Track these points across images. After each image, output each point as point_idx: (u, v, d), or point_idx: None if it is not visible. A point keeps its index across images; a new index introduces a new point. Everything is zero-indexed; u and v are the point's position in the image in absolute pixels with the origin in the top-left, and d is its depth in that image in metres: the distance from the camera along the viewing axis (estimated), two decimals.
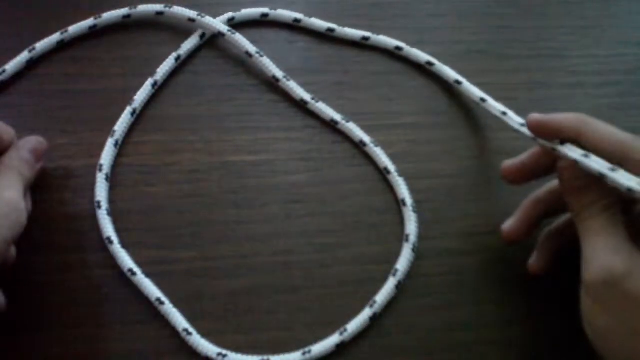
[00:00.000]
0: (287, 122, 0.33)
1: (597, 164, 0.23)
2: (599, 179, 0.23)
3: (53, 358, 0.27)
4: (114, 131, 0.31)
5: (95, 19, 0.34)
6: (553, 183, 0.28)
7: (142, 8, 0.35)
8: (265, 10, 0.35)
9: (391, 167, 0.31)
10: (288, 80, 0.33)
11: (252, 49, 0.34)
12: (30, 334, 0.27)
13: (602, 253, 0.23)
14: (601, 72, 0.36)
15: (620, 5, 0.39)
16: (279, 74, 0.33)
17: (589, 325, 0.24)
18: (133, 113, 0.32)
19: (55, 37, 0.33)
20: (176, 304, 0.28)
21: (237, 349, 0.27)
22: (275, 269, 0.29)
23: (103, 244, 0.29)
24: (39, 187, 0.30)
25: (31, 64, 0.33)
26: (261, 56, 0.33)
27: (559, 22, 0.38)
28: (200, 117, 0.33)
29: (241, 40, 0.34)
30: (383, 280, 0.29)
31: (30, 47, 0.33)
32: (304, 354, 0.27)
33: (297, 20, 0.35)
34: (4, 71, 0.32)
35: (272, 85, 0.34)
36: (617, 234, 0.23)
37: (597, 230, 0.24)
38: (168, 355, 0.27)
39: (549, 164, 0.27)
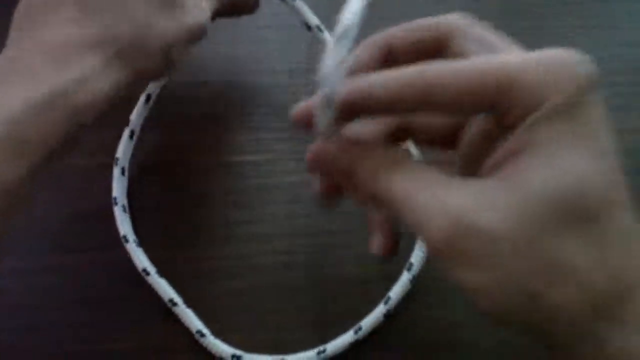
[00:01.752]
0: (288, 122, 0.33)
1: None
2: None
3: (65, 356, 0.27)
4: (130, 120, 0.31)
5: None
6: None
7: None
8: None
9: None
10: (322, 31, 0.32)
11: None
12: (39, 332, 0.27)
13: (435, 202, 0.17)
14: (601, 72, 0.36)
15: (620, 5, 0.39)
16: (313, 20, 0.32)
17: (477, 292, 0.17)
18: (148, 99, 0.31)
19: None
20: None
21: (236, 350, 0.27)
22: (276, 269, 0.29)
23: (113, 242, 0.29)
24: (48, 186, 0.30)
25: None
26: None
27: (559, 22, 0.38)
28: (201, 117, 0.33)
29: None
30: (384, 280, 0.29)
31: None
32: (319, 353, 0.27)
33: None
34: None
35: (272, 84, 0.34)
36: (433, 176, 0.17)
37: (412, 184, 0.17)
38: (180, 354, 0.27)
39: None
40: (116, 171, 0.30)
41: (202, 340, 0.27)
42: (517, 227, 0.16)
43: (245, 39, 0.35)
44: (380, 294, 0.29)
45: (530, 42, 0.38)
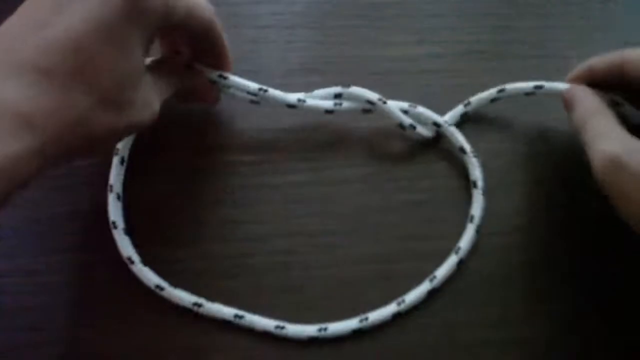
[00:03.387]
0: (287, 122, 0.33)
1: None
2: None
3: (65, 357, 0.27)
4: (117, 149, 0.30)
5: None
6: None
7: None
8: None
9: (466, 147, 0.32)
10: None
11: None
12: (31, 334, 0.27)
13: (598, 147, 0.26)
14: None
15: (620, 5, 0.39)
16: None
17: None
18: None
19: None
20: None
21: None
22: (275, 269, 0.29)
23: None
24: (47, 186, 0.30)
25: None
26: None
27: (559, 22, 0.38)
28: (200, 117, 0.33)
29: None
30: (383, 280, 0.29)
31: None
32: (360, 320, 0.28)
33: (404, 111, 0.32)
34: None
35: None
36: (612, 127, 0.26)
37: (597, 128, 0.27)
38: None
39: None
40: (112, 197, 0.29)
41: (200, 310, 0.28)
42: None
43: (245, 39, 0.35)
44: (379, 294, 0.29)
45: (531, 42, 0.38)
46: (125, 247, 0.28)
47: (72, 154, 0.24)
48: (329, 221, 0.31)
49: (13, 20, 0.23)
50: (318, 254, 0.30)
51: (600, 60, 0.30)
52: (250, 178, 0.32)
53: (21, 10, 0.23)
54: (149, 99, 0.26)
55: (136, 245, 0.29)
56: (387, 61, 0.35)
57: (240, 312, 0.28)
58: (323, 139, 0.33)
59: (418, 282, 0.29)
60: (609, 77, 0.30)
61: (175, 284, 0.28)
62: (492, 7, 0.38)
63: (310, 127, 0.33)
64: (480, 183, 0.31)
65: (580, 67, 0.31)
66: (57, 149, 0.22)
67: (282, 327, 0.28)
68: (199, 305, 0.28)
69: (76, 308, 0.28)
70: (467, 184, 0.32)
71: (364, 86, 0.33)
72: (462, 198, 0.32)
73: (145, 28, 0.24)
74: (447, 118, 0.32)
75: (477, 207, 0.31)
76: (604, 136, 0.26)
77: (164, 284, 0.28)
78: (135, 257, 0.28)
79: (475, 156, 0.31)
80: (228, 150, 0.32)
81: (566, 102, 0.30)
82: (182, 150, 0.32)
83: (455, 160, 0.33)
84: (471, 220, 0.31)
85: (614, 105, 0.29)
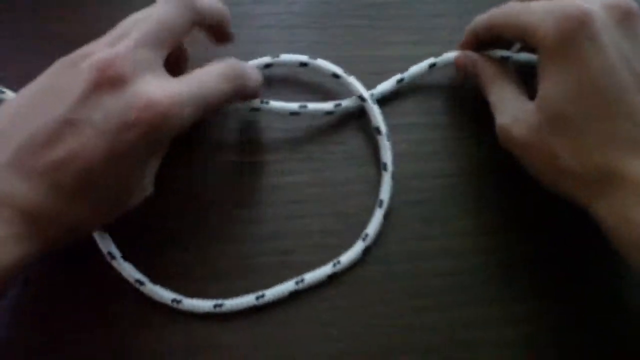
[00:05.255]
0: (288, 122, 0.33)
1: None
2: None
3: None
4: None
5: None
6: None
7: None
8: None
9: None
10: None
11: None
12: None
13: (497, 115, 0.29)
14: None
15: None
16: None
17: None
18: None
19: None
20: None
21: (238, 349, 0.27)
22: (275, 269, 0.29)
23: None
24: None
25: None
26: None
27: None
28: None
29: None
30: (384, 280, 0.29)
31: None
32: (257, 298, 0.28)
33: (303, 64, 0.33)
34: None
35: (271, 84, 0.34)
36: (503, 97, 0.29)
37: (492, 100, 0.30)
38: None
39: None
40: None
41: (142, 288, 0.28)
42: (530, 137, 0.27)
43: (245, 39, 0.35)
44: (380, 293, 0.29)
45: None
46: (103, 243, 0.28)
47: (59, 247, 0.25)
48: (329, 221, 0.31)
49: (26, 122, 0.23)
50: (318, 254, 0.30)
51: (477, 25, 0.32)
52: (250, 178, 0.32)
53: (32, 112, 0.24)
54: (144, 187, 0.27)
55: (133, 245, 0.29)
56: (387, 61, 0.35)
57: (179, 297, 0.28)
58: (323, 139, 0.33)
59: (418, 282, 0.29)
60: (490, 39, 0.32)
61: (174, 285, 0.28)
62: (492, 7, 0.38)
63: (311, 127, 0.33)
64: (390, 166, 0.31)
65: (467, 34, 0.33)
66: (50, 247, 0.24)
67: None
68: (178, 302, 0.28)
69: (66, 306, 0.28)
70: (469, 186, 0.32)
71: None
72: (463, 198, 0.32)
73: (158, 145, 0.26)
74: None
75: (385, 191, 0.31)
76: (497, 108, 0.29)
77: (144, 278, 0.28)
78: (117, 253, 0.28)
79: (388, 139, 0.32)
80: (228, 150, 0.32)
81: (459, 67, 0.33)
82: (182, 151, 0.32)
83: (454, 161, 0.33)
84: (380, 205, 0.31)
85: (502, 61, 0.31)
